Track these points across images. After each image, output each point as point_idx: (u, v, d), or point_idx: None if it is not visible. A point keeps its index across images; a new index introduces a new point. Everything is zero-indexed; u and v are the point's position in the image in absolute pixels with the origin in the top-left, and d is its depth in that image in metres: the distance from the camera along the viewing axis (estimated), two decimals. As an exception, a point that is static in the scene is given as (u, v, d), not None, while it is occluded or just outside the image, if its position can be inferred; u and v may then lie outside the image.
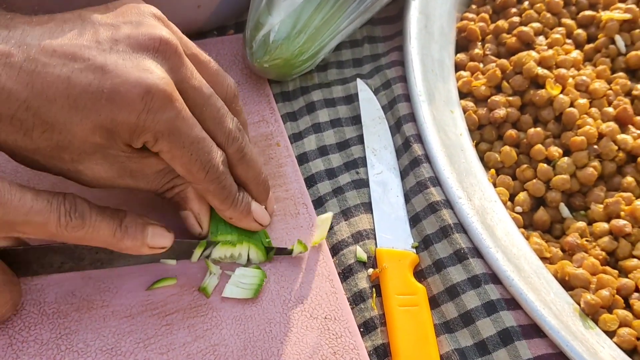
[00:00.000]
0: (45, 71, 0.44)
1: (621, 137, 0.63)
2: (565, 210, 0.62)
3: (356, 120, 0.68)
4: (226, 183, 0.53)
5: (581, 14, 0.74)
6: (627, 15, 0.71)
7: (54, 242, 0.51)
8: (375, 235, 0.60)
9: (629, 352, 0.53)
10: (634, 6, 0.72)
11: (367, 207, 0.62)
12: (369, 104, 0.69)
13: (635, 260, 0.57)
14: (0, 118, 0.44)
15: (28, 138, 0.46)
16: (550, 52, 0.68)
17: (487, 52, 0.72)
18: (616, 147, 0.62)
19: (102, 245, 0.48)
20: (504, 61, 0.70)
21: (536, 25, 0.72)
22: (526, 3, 0.75)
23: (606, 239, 0.59)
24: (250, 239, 0.57)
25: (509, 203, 0.62)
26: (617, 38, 0.71)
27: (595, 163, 0.62)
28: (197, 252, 0.55)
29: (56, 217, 0.45)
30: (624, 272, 0.57)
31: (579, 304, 0.55)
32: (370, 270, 0.57)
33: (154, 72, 0.47)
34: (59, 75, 0.44)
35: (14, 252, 0.50)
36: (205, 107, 0.51)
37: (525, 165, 0.64)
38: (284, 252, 0.58)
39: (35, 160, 0.49)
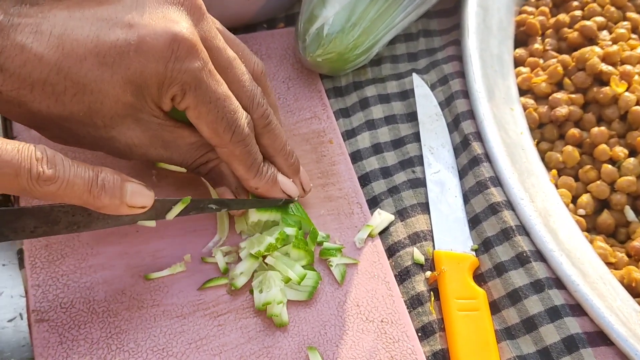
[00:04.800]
0: (74, 33, 0.45)
1: (691, 137, 0.61)
2: (630, 214, 0.60)
3: (411, 117, 0.67)
4: (252, 148, 0.52)
5: (647, 7, 0.72)
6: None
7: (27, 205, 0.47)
8: (432, 236, 0.59)
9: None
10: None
11: (424, 207, 0.61)
12: (426, 100, 0.67)
13: None
14: (34, 85, 0.45)
15: (60, 103, 0.46)
16: (615, 47, 0.66)
17: (548, 48, 0.71)
18: (685, 148, 0.60)
19: (77, 202, 0.44)
20: (565, 57, 0.68)
21: (599, 19, 0.70)
22: (588, -4, 0.73)
23: (675, 244, 0.57)
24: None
25: (571, 205, 0.61)
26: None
27: (663, 164, 0.60)
28: (176, 209, 0.51)
29: (27, 168, 0.41)
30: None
31: (648, 312, 0.53)
32: (428, 273, 0.56)
33: (180, 23, 0.48)
34: (87, 35, 0.46)
35: None
36: (230, 69, 0.52)
37: (588, 166, 0.62)
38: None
39: (68, 130, 0.49)
